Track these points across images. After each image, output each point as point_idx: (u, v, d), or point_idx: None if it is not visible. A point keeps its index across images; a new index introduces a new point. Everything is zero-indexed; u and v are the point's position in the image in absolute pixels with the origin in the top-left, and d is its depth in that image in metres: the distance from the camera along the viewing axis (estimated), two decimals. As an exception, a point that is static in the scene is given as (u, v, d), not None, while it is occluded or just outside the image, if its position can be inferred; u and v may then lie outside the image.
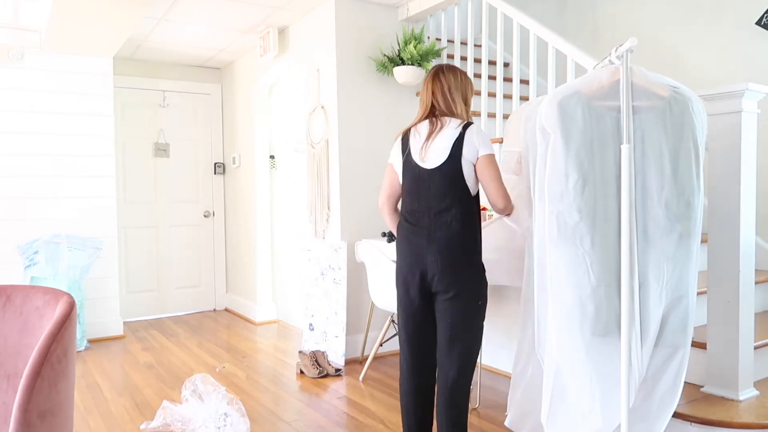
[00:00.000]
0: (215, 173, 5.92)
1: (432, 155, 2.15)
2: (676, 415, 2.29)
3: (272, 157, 5.39)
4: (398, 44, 3.98)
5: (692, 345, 2.53)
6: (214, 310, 5.94)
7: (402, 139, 2.30)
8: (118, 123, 5.28)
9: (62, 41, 4.28)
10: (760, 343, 2.57)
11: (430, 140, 2.16)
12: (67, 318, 1.70)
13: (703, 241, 2.65)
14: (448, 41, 4.21)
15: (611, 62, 2.04)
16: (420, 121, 2.27)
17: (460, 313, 2.12)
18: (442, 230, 2.11)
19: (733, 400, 2.38)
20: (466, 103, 2.30)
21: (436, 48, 4.03)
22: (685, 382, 2.56)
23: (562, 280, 2.03)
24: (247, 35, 4.77)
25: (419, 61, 3.88)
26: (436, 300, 2.18)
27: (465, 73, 2.32)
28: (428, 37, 4.14)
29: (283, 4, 4.06)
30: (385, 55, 3.99)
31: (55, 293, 1.90)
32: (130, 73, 5.46)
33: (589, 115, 2.01)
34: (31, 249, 4.30)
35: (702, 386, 2.51)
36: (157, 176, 5.63)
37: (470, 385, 2.20)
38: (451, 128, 2.16)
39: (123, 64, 5.38)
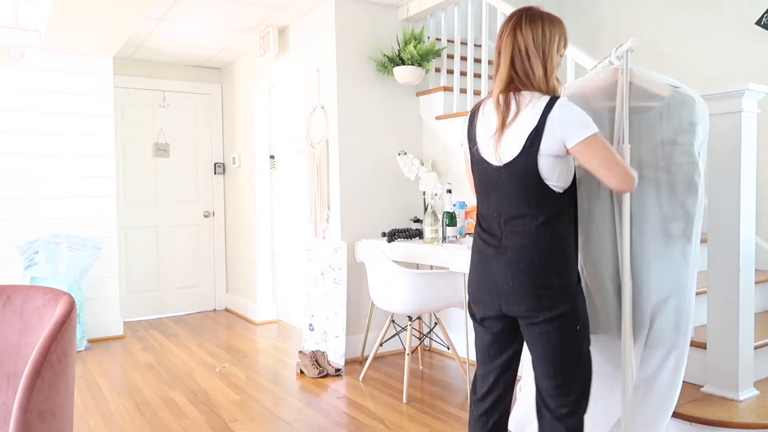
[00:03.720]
0: (215, 173, 5.92)
1: (504, 147, 1.70)
2: (676, 415, 2.29)
3: (272, 157, 5.39)
4: (398, 44, 3.98)
5: (692, 345, 2.53)
6: (214, 310, 5.94)
7: (469, 120, 1.85)
8: (118, 123, 5.28)
9: (62, 41, 4.28)
10: (760, 343, 2.57)
11: (504, 128, 1.69)
12: (67, 318, 1.70)
13: (703, 241, 2.65)
14: (448, 41, 4.21)
15: (611, 63, 2.04)
16: (495, 95, 1.75)
17: (553, 340, 1.73)
18: (513, 241, 1.71)
19: (733, 400, 2.38)
20: (548, 67, 1.72)
21: (436, 48, 4.03)
22: (685, 382, 2.56)
23: None
24: (247, 35, 4.77)
25: (419, 61, 3.88)
26: (522, 327, 1.79)
27: (554, 20, 1.74)
28: (428, 37, 4.14)
29: (283, 4, 4.06)
30: (385, 55, 3.99)
31: (55, 293, 1.90)
32: (130, 73, 5.46)
33: (591, 115, 2.01)
34: (31, 249, 4.30)
35: (702, 386, 2.51)
36: (157, 176, 5.63)
37: (582, 424, 1.80)
38: (529, 111, 1.67)
39: (123, 64, 5.38)
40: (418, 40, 3.88)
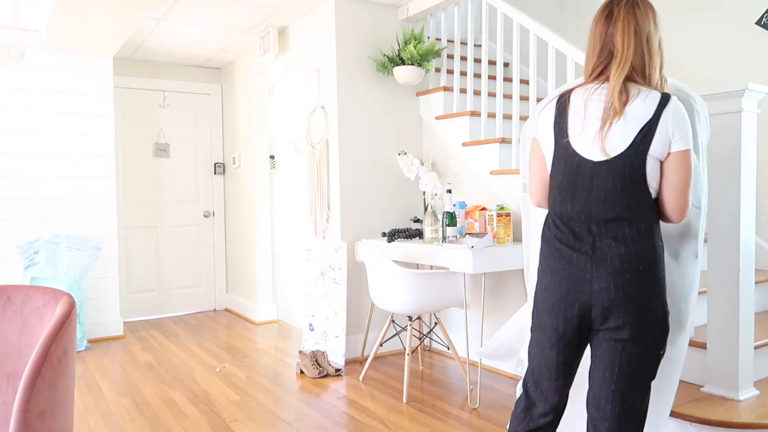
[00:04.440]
0: (215, 173, 5.92)
1: (611, 141, 1.52)
2: (676, 415, 2.29)
3: (272, 157, 5.39)
4: (398, 44, 3.98)
5: (692, 345, 2.53)
6: (214, 310, 5.94)
7: (558, 106, 1.65)
8: (118, 123, 5.28)
9: (62, 41, 4.28)
10: (760, 343, 2.57)
11: (616, 118, 1.52)
12: (67, 318, 1.70)
13: (704, 240, 2.65)
14: (448, 41, 4.21)
15: None
16: (592, 82, 1.60)
17: (634, 363, 1.57)
18: (615, 248, 1.54)
19: (733, 400, 2.38)
20: (664, 57, 1.61)
21: (436, 48, 4.03)
22: (685, 382, 2.56)
23: None
24: (247, 35, 4.77)
25: (419, 61, 3.88)
26: (598, 338, 1.61)
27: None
28: (428, 37, 4.14)
29: (283, 4, 4.06)
30: (385, 55, 3.99)
31: (55, 293, 1.90)
32: (130, 73, 5.46)
33: None
34: (31, 249, 4.30)
35: (702, 386, 2.51)
36: (157, 176, 5.63)
37: None
38: (640, 103, 1.52)
39: (123, 64, 5.38)
40: (418, 40, 3.88)
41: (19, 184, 4.46)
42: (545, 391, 1.70)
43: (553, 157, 1.64)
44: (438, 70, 4.19)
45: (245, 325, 5.22)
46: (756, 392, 2.44)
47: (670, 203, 1.56)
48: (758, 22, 3.42)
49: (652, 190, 1.54)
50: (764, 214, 3.40)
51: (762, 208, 3.36)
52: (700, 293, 2.66)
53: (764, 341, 2.61)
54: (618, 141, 1.51)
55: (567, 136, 1.60)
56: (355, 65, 4.02)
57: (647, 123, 1.50)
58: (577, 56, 3.03)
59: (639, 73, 1.55)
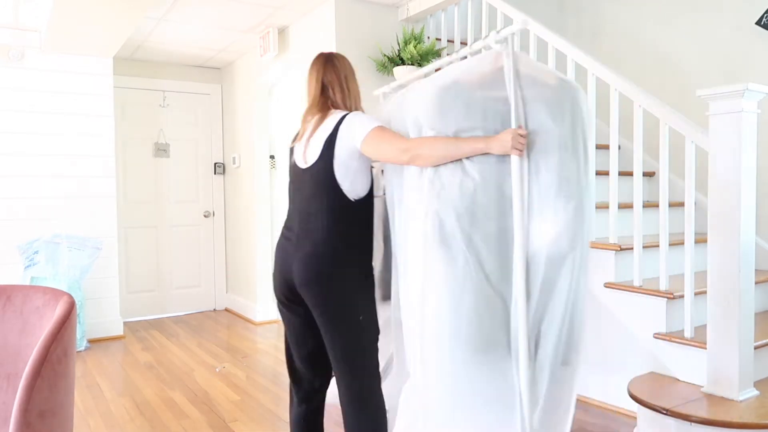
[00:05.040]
0: (215, 173, 5.92)
1: (309, 152, 1.97)
2: (676, 415, 2.29)
3: (272, 157, 5.39)
4: (398, 44, 3.98)
5: (692, 345, 2.53)
6: (214, 310, 5.94)
7: (293, 137, 2.17)
8: (118, 123, 5.28)
9: (62, 41, 4.28)
10: (760, 343, 2.56)
11: (313, 135, 1.97)
12: (67, 318, 1.70)
13: (703, 241, 2.65)
14: (448, 41, 4.21)
15: (489, 47, 1.90)
16: (310, 114, 2.05)
17: (336, 333, 1.92)
18: (308, 237, 1.92)
19: (733, 400, 2.38)
20: (358, 96, 2.16)
21: (436, 48, 4.03)
22: (685, 382, 2.56)
23: (439, 287, 1.81)
24: (247, 35, 4.77)
25: (419, 61, 3.88)
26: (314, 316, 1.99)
27: (341, 58, 2.19)
28: (428, 37, 4.14)
29: (283, 4, 4.06)
30: (385, 55, 3.99)
31: (55, 293, 1.90)
32: (130, 73, 5.46)
33: (471, 107, 1.84)
34: (31, 249, 4.30)
35: (702, 386, 2.51)
36: (157, 176, 5.63)
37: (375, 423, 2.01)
38: (329, 121, 1.96)
39: (123, 64, 5.38)
40: (418, 40, 3.88)
41: (19, 184, 4.46)
42: (295, 365, 2.42)
43: (288, 169, 2.11)
44: (438, 70, 4.18)
45: (245, 325, 5.22)
46: (756, 392, 2.44)
47: (390, 161, 1.91)
48: (758, 22, 3.41)
49: (349, 189, 1.90)
50: (764, 215, 3.40)
51: (762, 209, 3.35)
52: (699, 293, 2.65)
53: (764, 341, 2.60)
54: (312, 152, 1.95)
55: (294, 151, 2.07)
56: (355, 65, 3.99)
57: (329, 136, 1.91)
58: (577, 56, 3.03)
59: (339, 104, 2.03)
